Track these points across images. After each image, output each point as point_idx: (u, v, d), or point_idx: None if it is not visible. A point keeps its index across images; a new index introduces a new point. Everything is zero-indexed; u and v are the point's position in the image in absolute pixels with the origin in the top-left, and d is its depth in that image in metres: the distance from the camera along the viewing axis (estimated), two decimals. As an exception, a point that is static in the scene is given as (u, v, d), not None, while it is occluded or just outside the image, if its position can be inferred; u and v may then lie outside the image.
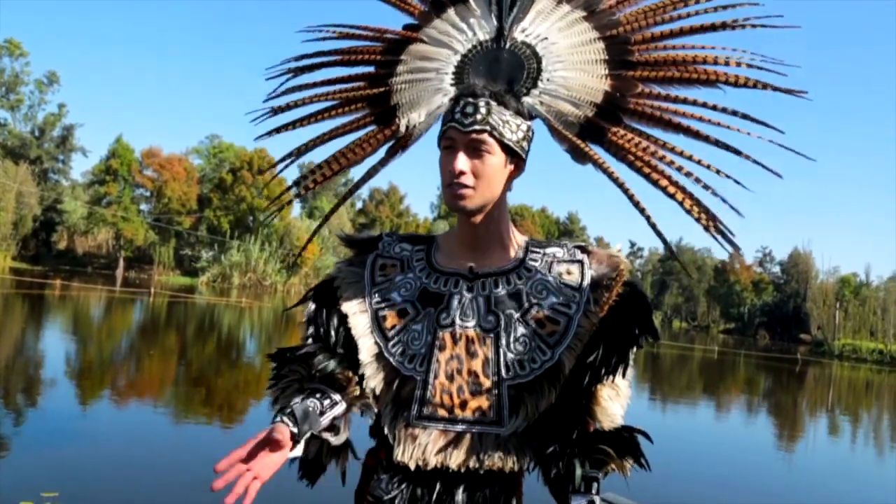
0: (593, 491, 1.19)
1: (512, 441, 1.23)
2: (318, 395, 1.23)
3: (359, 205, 56.57)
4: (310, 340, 1.34)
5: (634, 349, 1.24)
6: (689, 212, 1.32)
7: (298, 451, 1.19)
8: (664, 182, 1.32)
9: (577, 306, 1.27)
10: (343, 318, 1.33)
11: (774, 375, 23.65)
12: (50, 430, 6.01)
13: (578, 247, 1.35)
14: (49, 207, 41.90)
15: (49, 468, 4.86)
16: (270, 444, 1.11)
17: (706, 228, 1.31)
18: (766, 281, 59.84)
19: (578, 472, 1.19)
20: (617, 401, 1.27)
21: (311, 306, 1.37)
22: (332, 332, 1.33)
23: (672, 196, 1.32)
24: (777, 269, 61.26)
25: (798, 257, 56.40)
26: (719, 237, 1.31)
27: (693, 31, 1.41)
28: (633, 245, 57.53)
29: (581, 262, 1.32)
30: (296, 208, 45.77)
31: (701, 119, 1.35)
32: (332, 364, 1.28)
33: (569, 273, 1.31)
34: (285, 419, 1.15)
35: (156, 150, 43.40)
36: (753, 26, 1.38)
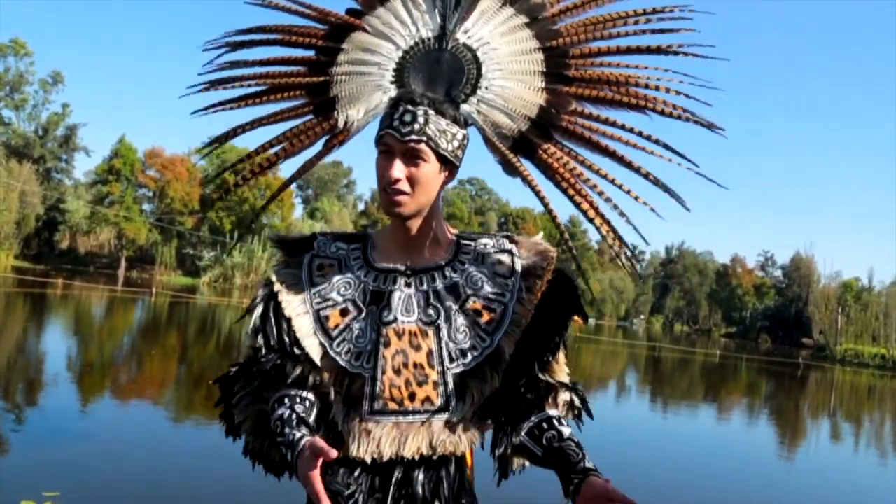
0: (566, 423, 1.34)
1: (460, 424, 1.29)
2: (297, 401, 1.27)
3: (361, 206, 56.63)
4: (262, 350, 1.34)
5: (567, 327, 1.35)
6: (604, 237, 1.43)
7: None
8: (585, 205, 1.41)
9: (511, 294, 1.34)
10: (288, 322, 1.34)
11: (776, 380, 23.61)
12: (51, 430, 6.01)
13: (506, 236, 1.42)
14: (52, 207, 42.02)
15: (50, 467, 4.86)
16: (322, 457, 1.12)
17: (616, 255, 1.45)
18: (767, 285, 59.83)
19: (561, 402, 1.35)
20: (562, 369, 1.39)
21: (256, 315, 1.36)
22: (284, 337, 1.33)
23: (591, 220, 1.41)
24: (779, 273, 61.28)
25: (800, 261, 56.36)
26: (626, 263, 1.46)
27: (630, 51, 1.47)
28: (635, 248, 57.24)
29: (510, 252, 1.38)
30: (298, 209, 45.81)
31: (627, 143, 1.42)
32: (305, 370, 1.30)
33: (500, 263, 1.37)
34: (305, 432, 1.19)
35: (158, 151, 43.55)
36: (686, 54, 1.45)
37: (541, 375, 1.34)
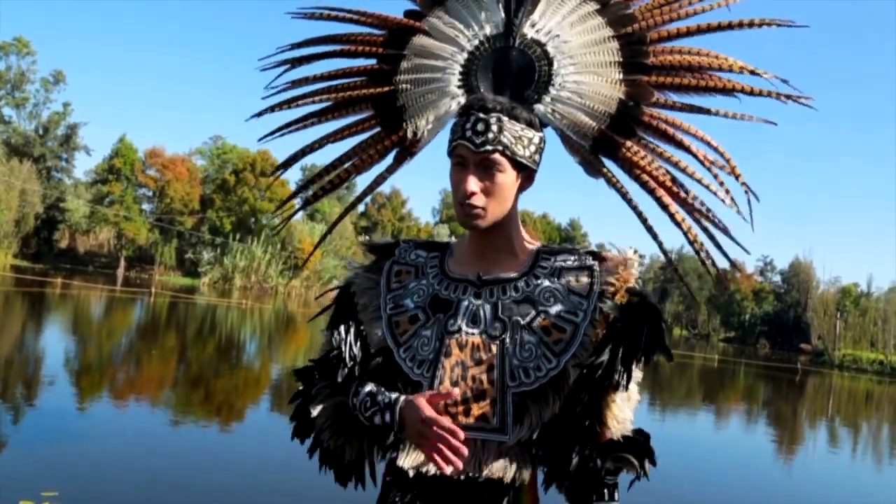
0: (616, 498, 1.23)
1: (515, 450, 1.20)
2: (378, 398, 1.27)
3: (361, 208, 56.63)
4: (337, 351, 1.35)
5: (643, 362, 1.22)
6: (691, 243, 1.37)
7: None
8: (673, 208, 1.35)
9: (584, 314, 1.24)
10: (360, 325, 1.34)
11: (774, 385, 23.60)
12: (50, 429, 6.00)
13: (591, 253, 1.31)
14: (51, 206, 41.96)
15: (49, 467, 4.86)
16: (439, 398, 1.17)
17: (703, 262, 1.39)
18: (766, 290, 59.70)
19: (608, 481, 1.22)
20: (628, 405, 1.25)
21: (332, 318, 1.38)
22: (353, 340, 1.34)
23: (678, 224, 1.35)
24: (778, 278, 61.15)
25: (799, 267, 56.28)
26: (714, 274, 1.40)
27: (710, 28, 1.38)
28: (635, 252, 57.41)
29: (591, 269, 1.28)
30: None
31: (710, 144, 1.36)
32: (368, 385, 1.30)
33: (577, 281, 1.27)
34: (392, 395, 1.22)
35: (159, 150, 43.48)
36: (770, 24, 1.36)
37: (600, 425, 1.21)
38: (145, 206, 44.69)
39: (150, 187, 43.57)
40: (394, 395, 1.21)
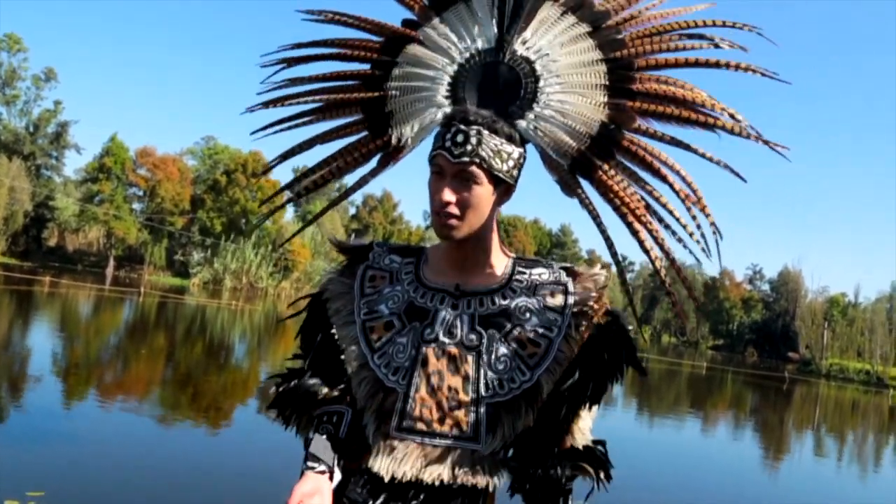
0: (570, 501, 1.27)
1: (487, 459, 1.24)
2: (332, 419, 1.30)
3: (352, 211, 56.57)
4: (306, 357, 1.38)
5: (615, 381, 1.29)
6: (656, 272, 1.40)
7: (338, 476, 1.25)
8: (643, 236, 1.37)
9: (559, 330, 1.28)
10: (331, 330, 1.35)
11: (762, 393, 23.74)
12: (35, 429, 5.97)
13: (564, 268, 1.35)
14: (41, 204, 41.67)
15: (34, 467, 4.83)
16: (310, 496, 1.17)
17: (668, 294, 1.43)
18: (755, 298, 60.12)
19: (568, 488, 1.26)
20: (588, 415, 1.32)
21: (302, 327, 1.40)
22: (325, 347, 1.35)
23: (647, 252, 1.37)
24: (767, 287, 61.60)
25: (788, 276, 56.73)
26: (677, 308, 1.44)
27: (698, 63, 1.40)
28: (624, 259, 57.35)
29: (565, 286, 1.32)
30: (289, 212, 45.67)
31: (684, 178, 1.39)
32: (334, 393, 1.32)
33: (552, 296, 1.31)
34: (310, 464, 1.22)
35: (150, 150, 43.27)
36: (754, 72, 1.38)
37: (558, 429, 1.27)
38: (135, 206, 44.44)
39: (140, 187, 43.34)
40: (304, 463, 1.23)
